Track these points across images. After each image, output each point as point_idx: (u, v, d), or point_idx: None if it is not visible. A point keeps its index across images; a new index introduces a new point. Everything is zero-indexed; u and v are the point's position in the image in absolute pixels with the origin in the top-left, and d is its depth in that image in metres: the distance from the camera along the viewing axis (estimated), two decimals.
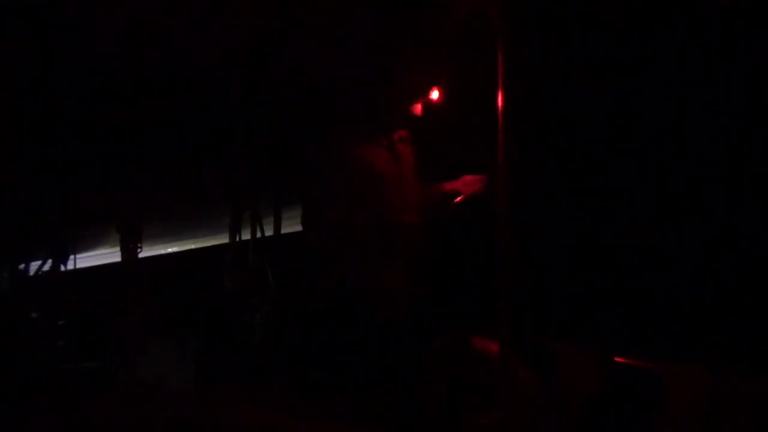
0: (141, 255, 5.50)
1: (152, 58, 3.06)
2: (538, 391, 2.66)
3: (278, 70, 3.38)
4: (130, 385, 3.89)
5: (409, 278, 2.83)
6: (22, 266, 5.68)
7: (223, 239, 6.11)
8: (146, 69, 3.19)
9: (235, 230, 5.66)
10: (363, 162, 2.77)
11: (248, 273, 5.39)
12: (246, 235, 5.61)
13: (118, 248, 5.84)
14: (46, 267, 5.50)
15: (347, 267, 2.77)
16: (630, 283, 2.86)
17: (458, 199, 3.00)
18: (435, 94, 2.84)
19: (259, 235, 5.50)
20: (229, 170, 5.17)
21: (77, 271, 5.97)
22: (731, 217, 2.64)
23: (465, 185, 3.00)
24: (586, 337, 2.78)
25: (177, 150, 4.62)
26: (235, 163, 5.02)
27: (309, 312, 3.83)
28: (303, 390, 3.27)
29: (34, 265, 5.59)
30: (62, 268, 5.52)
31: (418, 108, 2.86)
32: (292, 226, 5.82)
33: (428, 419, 2.73)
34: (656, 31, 2.71)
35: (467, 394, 2.68)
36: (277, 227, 5.45)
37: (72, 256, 5.69)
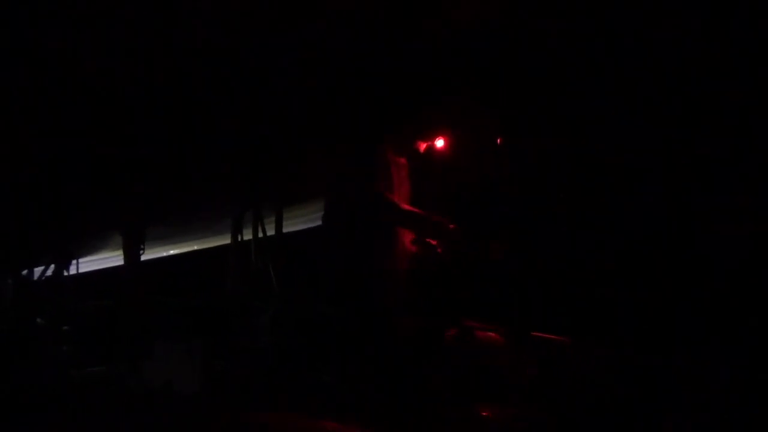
0: (143, 258, 5.50)
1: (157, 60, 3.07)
2: (545, 385, 2.65)
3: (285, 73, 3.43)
4: (136, 390, 3.88)
5: (418, 273, 2.90)
6: (25, 272, 5.68)
7: (225, 240, 6.08)
8: (148, 70, 3.19)
9: (236, 230, 5.64)
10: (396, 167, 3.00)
11: (251, 275, 5.37)
12: (248, 236, 5.58)
13: (121, 252, 5.83)
14: (49, 272, 5.49)
15: (363, 262, 2.88)
16: (639, 278, 2.86)
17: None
18: (440, 143, 3.20)
19: (261, 234, 5.47)
20: (231, 169, 5.15)
21: (81, 276, 5.96)
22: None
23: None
24: (593, 332, 2.77)
25: (178, 150, 4.60)
26: (236, 162, 5.00)
27: (315, 314, 3.84)
28: (309, 390, 3.27)
29: (38, 271, 5.58)
30: (65, 273, 5.51)
31: (422, 145, 3.18)
32: (294, 225, 5.81)
33: (435, 412, 2.73)
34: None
35: (474, 387, 2.68)
36: (279, 227, 5.42)
37: (75, 261, 5.68)
